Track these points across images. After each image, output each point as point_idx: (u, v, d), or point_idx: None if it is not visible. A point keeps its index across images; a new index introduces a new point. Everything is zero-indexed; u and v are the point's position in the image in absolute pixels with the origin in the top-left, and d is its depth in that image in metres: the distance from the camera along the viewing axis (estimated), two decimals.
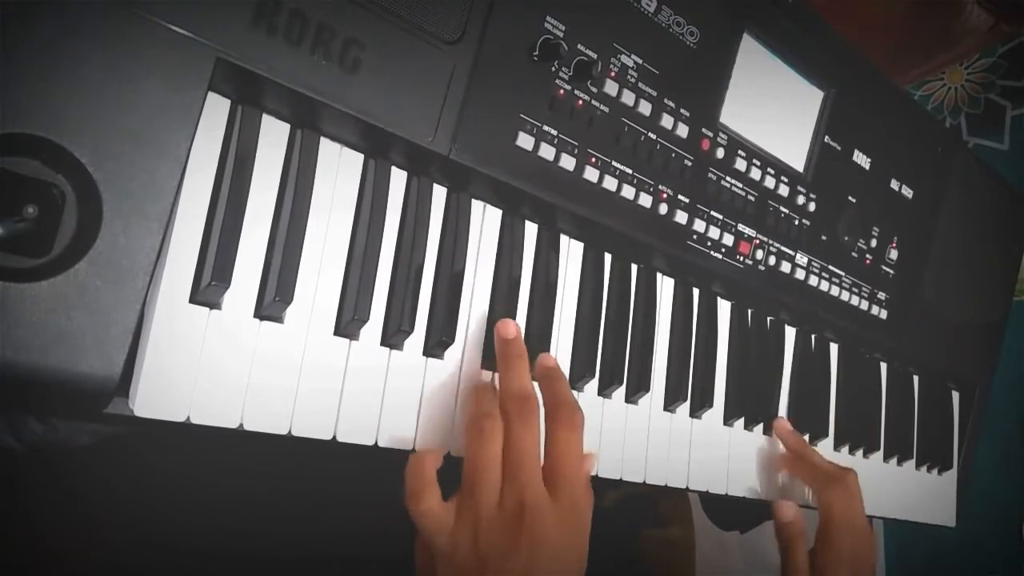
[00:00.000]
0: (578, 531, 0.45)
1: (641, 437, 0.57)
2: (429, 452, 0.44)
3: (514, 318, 0.51)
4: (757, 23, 0.60)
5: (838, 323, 0.72)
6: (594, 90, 0.51)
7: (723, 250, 0.60)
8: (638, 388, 0.57)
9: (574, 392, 0.54)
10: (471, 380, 0.49)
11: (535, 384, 0.48)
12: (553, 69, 0.49)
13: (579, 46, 0.50)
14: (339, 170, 0.45)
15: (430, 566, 0.44)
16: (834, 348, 0.76)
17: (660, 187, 0.56)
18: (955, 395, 0.92)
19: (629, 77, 0.53)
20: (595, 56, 0.51)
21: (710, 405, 0.62)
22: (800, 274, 0.66)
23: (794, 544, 0.62)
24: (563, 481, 0.44)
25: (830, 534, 0.61)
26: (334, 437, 0.42)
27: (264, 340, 0.40)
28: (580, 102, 0.50)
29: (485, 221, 0.51)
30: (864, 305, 0.73)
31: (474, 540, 0.42)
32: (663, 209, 0.56)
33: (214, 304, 0.39)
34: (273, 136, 0.42)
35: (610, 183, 0.53)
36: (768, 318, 0.70)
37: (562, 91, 0.50)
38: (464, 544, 0.42)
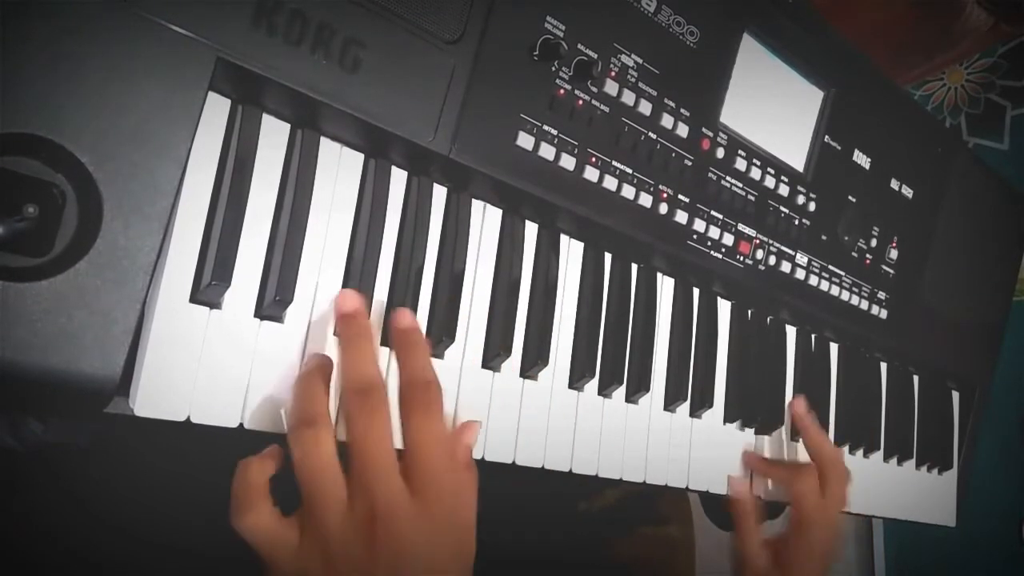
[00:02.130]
0: (451, 524, 0.39)
1: (641, 437, 0.57)
2: (259, 458, 0.39)
3: (514, 318, 0.51)
4: (757, 23, 0.60)
5: (838, 323, 0.72)
6: (594, 90, 0.51)
7: (723, 250, 0.60)
8: (638, 388, 0.57)
9: (574, 392, 0.54)
10: (472, 380, 0.49)
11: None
12: (553, 69, 0.49)
13: (579, 46, 0.50)
14: (339, 170, 0.45)
15: None
16: (834, 348, 0.76)
17: (660, 187, 0.56)
18: (955, 395, 0.92)
19: (629, 77, 0.53)
20: (595, 56, 0.51)
21: (710, 405, 0.62)
22: (800, 274, 0.66)
23: (746, 519, 0.62)
24: (423, 473, 0.38)
25: (801, 522, 0.61)
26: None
27: (264, 340, 0.40)
28: (580, 102, 0.50)
29: (485, 221, 0.51)
30: (864, 305, 0.73)
31: (325, 561, 0.36)
32: (663, 209, 0.56)
33: (214, 304, 0.39)
34: (273, 136, 0.42)
35: (610, 183, 0.53)
36: (768, 318, 0.70)
37: (562, 91, 0.50)
38: (314, 567, 0.36)
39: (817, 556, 0.60)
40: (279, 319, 0.41)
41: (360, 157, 0.46)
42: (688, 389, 0.61)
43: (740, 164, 0.60)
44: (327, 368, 0.40)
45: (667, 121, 0.55)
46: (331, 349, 0.43)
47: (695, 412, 0.61)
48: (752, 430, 0.66)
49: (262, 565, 0.38)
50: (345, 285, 0.44)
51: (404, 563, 0.36)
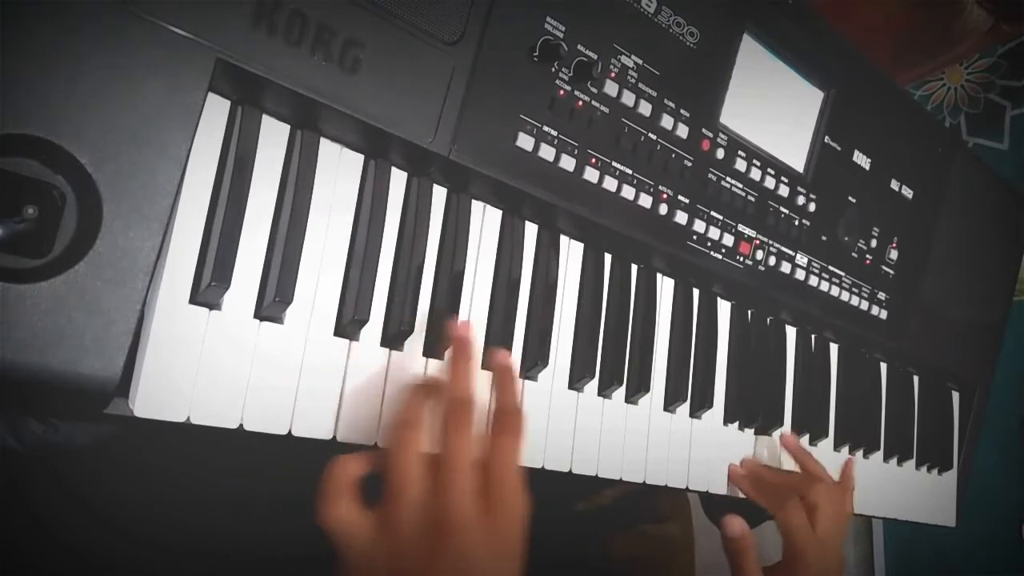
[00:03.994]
0: (510, 544, 0.41)
1: (641, 437, 0.57)
2: (353, 457, 0.41)
3: (514, 319, 0.51)
4: (757, 23, 0.60)
5: (838, 323, 0.72)
6: (594, 91, 0.51)
7: (723, 250, 0.60)
8: (638, 388, 0.57)
9: (574, 392, 0.54)
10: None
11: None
12: (553, 70, 0.49)
13: (579, 47, 0.50)
14: (339, 170, 0.45)
15: None
16: (834, 348, 0.76)
17: (660, 187, 0.56)
18: (955, 395, 0.92)
19: (629, 77, 0.53)
20: (595, 57, 0.51)
21: (710, 405, 0.62)
22: (800, 274, 0.66)
23: (743, 556, 0.60)
24: (501, 492, 0.40)
25: (795, 556, 0.60)
26: (334, 437, 0.42)
27: (264, 340, 0.40)
28: (580, 103, 0.50)
29: (485, 221, 0.51)
30: (864, 305, 0.73)
31: (390, 557, 0.38)
32: (663, 209, 0.56)
33: (214, 305, 0.39)
34: (273, 136, 0.42)
35: (610, 183, 0.53)
36: (768, 318, 0.70)
37: (562, 92, 0.50)
38: (379, 561, 0.38)
39: None
40: (279, 320, 0.41)
41: (360, 158, 0.46)
42: (688, 389, 0.61)
43: (740, 165, 0.60)
44: (432, 389, 0.43)
45: (667, 122, 0.55)
46: (331, 349, 0.43)
47: (695, 412, 0.61)
48: (752, 430, 0.66)
49: (337, 555, 0.40)
50: (345, 286, 0.44)
51: (467, 562, 0.38)
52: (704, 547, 0.84)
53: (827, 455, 0.73)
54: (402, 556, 0.38)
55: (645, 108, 0.53)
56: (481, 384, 0.48)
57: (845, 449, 0.75)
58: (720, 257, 0.60)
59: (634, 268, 0.59)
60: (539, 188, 0.50)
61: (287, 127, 0.43)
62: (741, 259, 0.62)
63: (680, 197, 0.57)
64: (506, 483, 0.41)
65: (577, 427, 0.53)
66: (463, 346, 0.45)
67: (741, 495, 0.64)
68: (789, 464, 0.68)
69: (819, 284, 0.68)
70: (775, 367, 0.69)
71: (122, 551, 0.50)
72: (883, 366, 0.82)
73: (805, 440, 0.71)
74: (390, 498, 0.39)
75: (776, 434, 0.68)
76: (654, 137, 0.55)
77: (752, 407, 0.66)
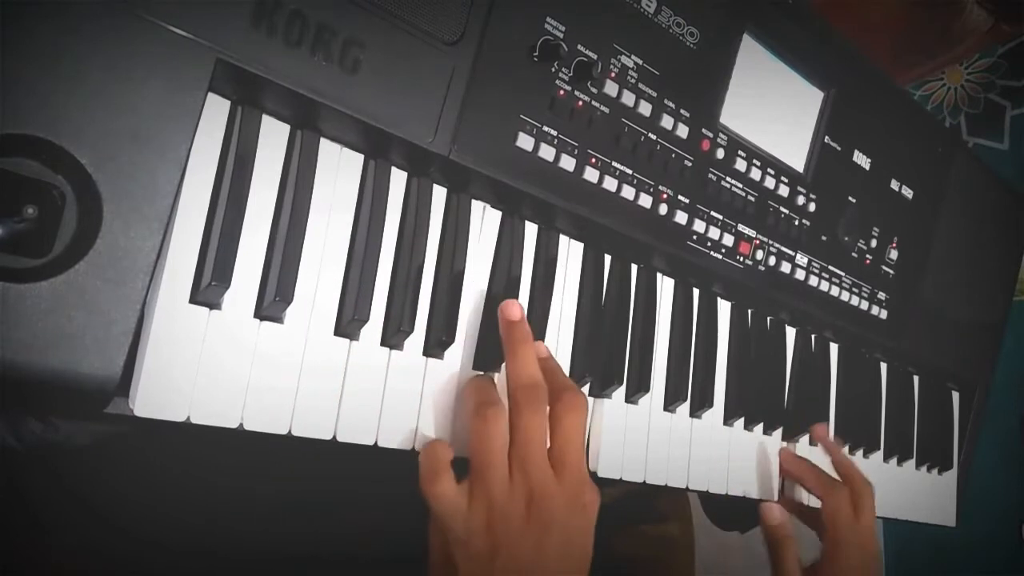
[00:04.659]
0: (584, 514, 0.46)
1: (641, 437, 0.57)
2: (443, 441, 0.45)
3: None
4: (757, 23, 0.60)
5: (838, 323, 0.72)
6: (594, 91, 0.51)
7: (723, 250, 0.60)
8: (638, 388, 0.57)
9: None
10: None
11: None
12: (553, 70, 0.49)
13: (579, 47, 0.50)
14: (339, 170, 0.45)
15: (444, 550, 0.45)
16: (834, 348, 0.76)
17: (660, 187, 0.56)
18: (955, 395, 0.92)
19: (629, 78, 0.53)
20: (595, 57, 0.51)
21: (710, 405, 0.62)
22: (800, 274, 0.66)
23: (783, 547, 0.61)
24: (570, 466, 0.45)
25: (838, 544, 0.60)
26: (334, 437, 0.42)
27: (264, 340, 0.40)
28: (580, 103, 0.50)
29: (485, 221, 0.51)
30: (864, 305, 0.73)
31: (487, 524, 0.43)
32: (663, 209, 0.56)
33: (214, 304, 0.39)
34: (273, 136, 0.42)
35: (610, 183, 0.53)
36: (768, 318, 0.70)
37: (562, 92, 0.50)
38: (478, 528, 0.43)
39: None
40: (279, 320, 0.41)
41: (360, 158, 0.46)
42: (688, 389, 0.61)
43: (740, 165, 0.60)
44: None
45: (667, 122, 0.55)
46: (331, 349, 0.43)
47: (695, 412, 0.61)
48: (751, 431, 0.66)
49: (437, 528, 0.46)
50: (345, 286, 0.44)
51: (550, 537, 0.43)
52: (704, 547, 0.85)
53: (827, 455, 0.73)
54: (498, 522, 0.43)
55: (645, 108, 0.53)
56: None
57: (845, 449, 0.75)
58: (720, 257, 0.60)
59: (634, 268, 0.59)
60: (539, 188, 0.50)
61: (287, 127, 0.43)
62: (741, 259, 0.62)
63: (680, 197, 0.57)
64: (575, 458, 0.46)
65: None
66: (518, 328, 0.48)
67: (740, 495, 0.64)
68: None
69: (819, 284, 0.68)
70: (775, 367, 0.69)
71: (122, 551, 0.50)
72: (883, 366, 0.82)
73: (805, 440, 0.71)
74: (481, 470, 0.43)
75: (776, 434, 0.68)
76: (654, 137, 0.55)
77: (752, 407, 0.66)
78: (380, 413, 0.44)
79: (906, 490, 0.83)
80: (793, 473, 0.66)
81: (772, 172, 0.62)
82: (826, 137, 0.66)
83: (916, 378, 0.86)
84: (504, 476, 0.43)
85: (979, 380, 0.91)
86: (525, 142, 0.48)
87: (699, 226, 0.58)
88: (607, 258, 0.58)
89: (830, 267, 0.69)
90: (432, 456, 0.44)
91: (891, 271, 0.75)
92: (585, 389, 0.55)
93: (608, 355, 0.56)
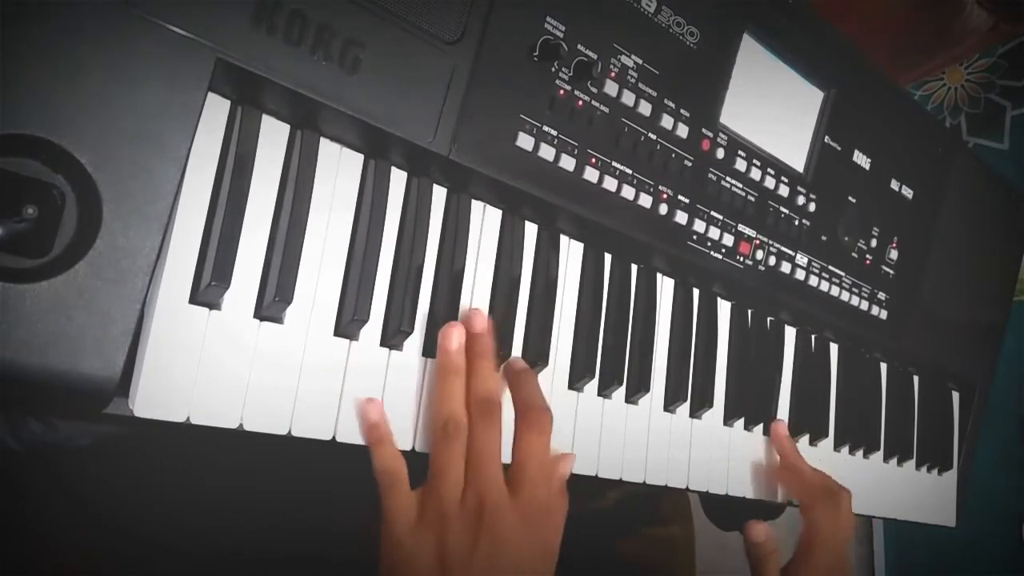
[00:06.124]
0: (542, 533, 0.45)
1: (641, 437, 0.57)
2: (395, 451, 0.44)
3: (514, 319, 0.51)
4: (757, 23, 0.60)
5: (838, 323, 0.72)
6: (594, 90, 0.51)
7: (723, 250, 0.60)
8: (638, 388, 0.57)
9: (574, 392, 0.54)
10: None
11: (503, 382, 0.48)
12: (553, 69, 0.49)
13: (579, 46, 0.50)
14: (339, 170, 0.45)
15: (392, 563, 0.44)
16: (834, 348, 0.76)
17: (660, 187, 0.56)
18: (955, 395, 0.92)
19: (629, 77, 0.53)
20: (595, 56, 0.51)
21: (710, 405, 0.62)
22: (800, 274, 0.66)
23: (765, 564, 0.61)
24: (525, 482, 0.44)
25: (812, 552, 0.61)
26: (334, 437, 0.42)
27: (264, 340, 0.40)
28: (580, 102, 0.50)
29: (485, 221, 0.51)
30: (864, 305, 0.73)
31: (438, 537, 0.42)
32: (663, 209, 0.56)
33: (214, 304, 0.39)
34: (273, 136, 0.42)
35: (610, 183, 0.53)
36: (768, 318, 0.70)
37: (562, 91, 0.50)
38: (427, 542, 0.42)
39: None
40: (279, 320, 0.41)
41: (360, 158, 0.46)
42: (688, 389, 0.61)
43: (740, 164, 0.60)
44: (463, 372, 0.46)
45: (667, 122, 0.55)
46: (331, 349, 0.43)
47: (695, 412, 0.61)
48: (751, 431, 0.66)
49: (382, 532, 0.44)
50: (345, 286, 0.44)
51: (501, 554, 0.42)
52: (704, 547, 0.85)
53: (827, 455, 0.73)
54: (449, 534, 0.42)
55: (645, 108, 0.53)
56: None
57: (845, 449, 0.75)
58: (720, 257, 0.60)
59: (634, 268, 0.59)
60: (539, 188, 0.50)
61: (287, 127, 0.43)
62: (741, 259, 0.62)
63: (680, 197, 0.57)
64: (532, 475, 0.45)
65: (577, 427, 0.53)
66: (479, 340, 0.47)
67: (740, 495, 0.64)
68: None
69: (819, 284, 0.68)
70: (775, 367, 0.69)
71: (122, 551, 0.50)
72: (883, 366, 0.82)
73: (805, 440, 0.71)
74: (437, 481, 0.43)
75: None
76: (654, 137, 0.55)
77: (752, 407, 0.66)
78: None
79: (906, 490, 0.83)
80: (781, 477, 0.66)
81: (772, 172, 0.62)
82: (826, 137, 0.66)
83: (916, 378, 0.86)
84: (457, 488, 0.43)
85: (979, 380, 0.91)
86: (525, 142, 0.48)
87: (699, 226, 0.58)
88: (607, 258, 0.58)
89: (830, 267, 0.69)
90: (384, 462, 0.43)
91: (891, 271, 0.75)
92: (587, 389, 0.55)
93: (608, 355, 0.56)
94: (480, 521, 0.42)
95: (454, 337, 0.46)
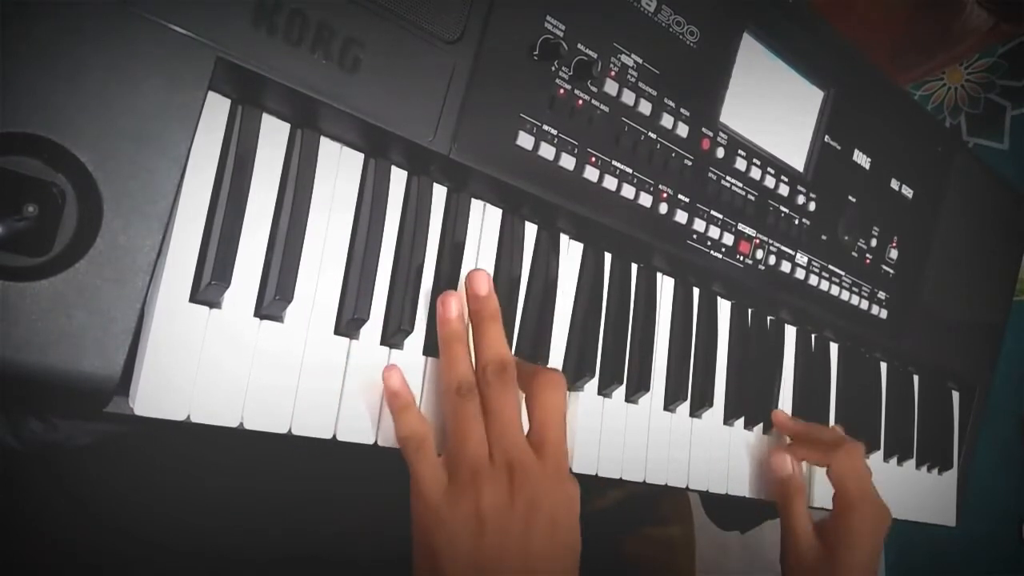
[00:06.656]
0: (568, 495, 0.45)
1: (641, 436, 0.57)
2: (420, 415, 0.44)
3: (513, 318, 0.51)
4: (757, 23, 0.60)
5: (838, 322, 0.72)
6: (594, 90, 0.51)
7: (723, 250, 0.60)
8: (638, 388, 0.57)
9: (573, 392, 0.54)
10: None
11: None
12: (553, 69, 0.49)
13: (579, 45, 0.50)
14: (339, 170, 0.45)
15: (427, 553, 0.43)
16: (834, 347, 0.76)
17: (660, 187, 0.56)
18: (955, 395, 0.92)
19: (629, 77, 0.53)
20: (595, 56, 0.51)
21: (710, 405, 0.62)
22: (800, 274, 0.66)
23: (793, 502, 0.59)
24: (550, 443, 0.44)
25: (850, 501, 0.58)
26: (334, 436, 0.42)
27: (264, 339, 0.40)
28: (580, 102, 0.50)
29: (485, 221, 0.51)
30: (864, 305, 0.73)
31: (475, 495, 0.42)
32: (663, 208, 0.56)
33: (214, 303, 0.39)
34: (273, 136, 0.42)
35: (610, 183, 0.53)
36: (768, 317, 0.70)
37: (562, 90, 0.50)
38: (464, 501, 0.42)
39: (867, 536, 0.58)
40: (279, 319, 0.41)
41: (360, 157, 0.46)
42: (688, 389, 0.61)
43: (740, 164, 0.60)
44: (465, 338, 0.46)
45: (667, 121, 0.55)
46: (331, 348, 0.43)
47: (695, 412, 0.61)
48: (751, 430, 0.66)
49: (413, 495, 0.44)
50: (345, 285, 0.44)
51: (537, 514, 0.43)
52: (704, 547, 0.85)
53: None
54: (486, 495, 0.42)
55: (645, 107, 0.53)
56: None
57: None
58: (720, 256, 0.60)
59: (634, 267, 0.59)
60: (539, 187, 0.50)
61: (287, 126, 0.43)
62: (741, 258, 0.62)
63: (680, 196, 0.57)
64: (555, 436, 0.45)
65: (577, 426, 0.53)
66: (485, 302, 0.46)
67: (740, 494, 0.64)
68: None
69: (819, 283, 0.68)
70: (775, 366, 0.69)
71: (122, 551, 0.50)
72: (883, 366, 0.82)
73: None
74: (461, 445, 0.43)
75: (776, 433, 0.68)
76: (654, 136, 0.55)
77: (752, 406, 0.66)
78: (380, 412, 0.44)
79: (906, 490, 0.83)
80: (792, 432, 0.65)
81: (772, 171, 0.62)
82: (826, 136, 0.66)
83: (916, 378, 0.86)
84: (482, 447, 0.43)
85: (979, 380, 0.91)
86: (525, 141, 0.48)
87: (699, 225, 0.58)
88: (607, 257, 0.58)
89: (830, 266, 0.69)
90: (410, 427, 0.43)
91: (891, 271, 0.75)
92: (587, 388, 0.55)
93: (608, 355, 0.56)
94: (512, 482, 0.42)
95: (452, 305, 0.46)
